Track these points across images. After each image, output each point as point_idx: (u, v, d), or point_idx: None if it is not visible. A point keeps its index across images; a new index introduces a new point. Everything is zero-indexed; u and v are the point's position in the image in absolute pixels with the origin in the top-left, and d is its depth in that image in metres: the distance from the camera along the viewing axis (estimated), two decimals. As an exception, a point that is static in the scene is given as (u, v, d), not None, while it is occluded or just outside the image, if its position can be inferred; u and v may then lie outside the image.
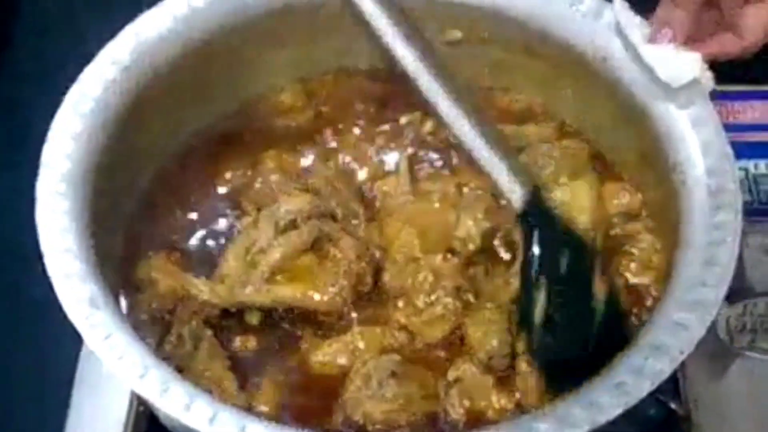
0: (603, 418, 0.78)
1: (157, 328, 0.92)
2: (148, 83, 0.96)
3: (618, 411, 0.78)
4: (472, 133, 0.92)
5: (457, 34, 1.02)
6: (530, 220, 0.92)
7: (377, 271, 0.95)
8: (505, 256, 0.96)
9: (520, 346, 0.90)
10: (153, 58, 0.96)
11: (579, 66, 0.98)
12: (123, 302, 0.92)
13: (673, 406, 0.95)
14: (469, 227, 0.95)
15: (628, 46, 0.94)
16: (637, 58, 0.93)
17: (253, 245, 0.93)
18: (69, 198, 0.88)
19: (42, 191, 0.88)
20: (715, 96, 0.92)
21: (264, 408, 0.89)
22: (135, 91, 0.95)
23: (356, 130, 1.04)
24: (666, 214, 0.92)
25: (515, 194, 0.92)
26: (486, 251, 0.96)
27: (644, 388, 0.80)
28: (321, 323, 0.93)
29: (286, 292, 0.92)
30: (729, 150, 0.90)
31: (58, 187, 0.88)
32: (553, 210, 0.94)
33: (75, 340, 0.84)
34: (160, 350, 0.90)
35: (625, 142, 0.98)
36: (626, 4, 0.94)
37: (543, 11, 0.99)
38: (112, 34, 0.96)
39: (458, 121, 0.92)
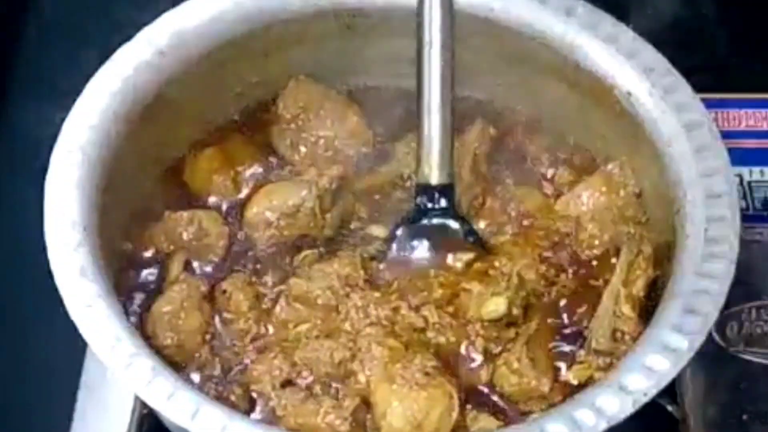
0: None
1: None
2: (181, 71, 0.97)
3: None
4: (436, 103, 0.95)
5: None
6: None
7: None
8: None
9: None
10: (190, 47, 0.97)
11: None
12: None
13: (669, 408, 0.96)
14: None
15: None
16: None
17: None
18: (81, 167, 0.90)
19: (56, 159, 0.90)
20: (711, 103, 0.94)
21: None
22: (166, 78, 0.96)
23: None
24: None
25: (431, 176, 0.95)
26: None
27: (599, 427, 0.79)
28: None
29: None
30: (735, 200, 0.89)
31: (73, 157, 0.90)
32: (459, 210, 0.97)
33: (80, 343, 0.84)
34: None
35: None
36: None
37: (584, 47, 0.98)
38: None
39: (435, 86, 0.94)
